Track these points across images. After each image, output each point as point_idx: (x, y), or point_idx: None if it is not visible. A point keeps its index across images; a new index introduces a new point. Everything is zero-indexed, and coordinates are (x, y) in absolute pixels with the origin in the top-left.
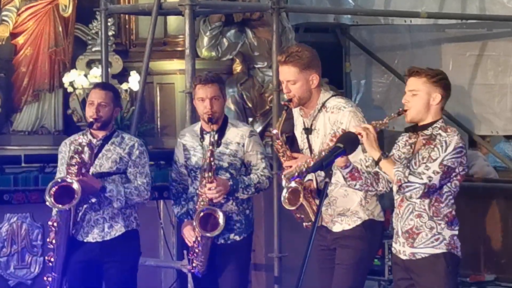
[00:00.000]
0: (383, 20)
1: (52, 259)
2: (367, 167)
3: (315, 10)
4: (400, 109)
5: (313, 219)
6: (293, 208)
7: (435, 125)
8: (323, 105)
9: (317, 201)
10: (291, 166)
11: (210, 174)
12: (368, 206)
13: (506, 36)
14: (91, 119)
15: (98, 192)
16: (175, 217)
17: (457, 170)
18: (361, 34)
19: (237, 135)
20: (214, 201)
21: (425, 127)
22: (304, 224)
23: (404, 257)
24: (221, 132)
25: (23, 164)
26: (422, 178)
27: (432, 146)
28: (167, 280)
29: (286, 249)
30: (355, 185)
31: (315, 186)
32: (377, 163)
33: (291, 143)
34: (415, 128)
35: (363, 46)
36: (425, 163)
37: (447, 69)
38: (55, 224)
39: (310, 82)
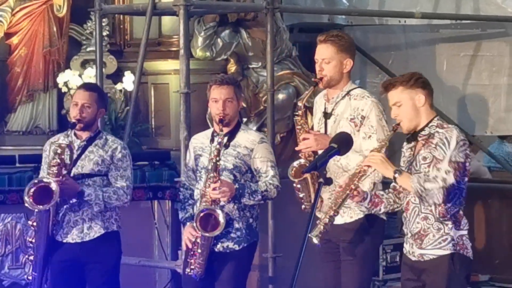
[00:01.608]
0: (378, 20)
1: (32, 258)
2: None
3: (310, 10)
4: (393, 125)
5: (312, 200)
6: (297, 180)
7: (431, 124)
8: (348, 93)
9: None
10: (306, 138)
11: (215, 174)
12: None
13: (500, 36)
14: (74, 120)
15: (77, 196)
16: (170, 217)
17: (466, 164)
18: (356, 34)
19: (247, 140)
20: (218, 201)
21: (423, 129)
22: (302, 206)
23: (413, 258)
24: (232, 134)
25: (17, 164)
26: (437, 182)
27: (433, 145)
28: (161, 280)
29: (281, 249)
30: (380, 210)
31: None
32: (394, 180)
33: (286, 143)
34: (415, 136)
35: (358, 46)
36: (428, 163)
37: (441, 70)
38: (34, 224)
39: (343, 65)
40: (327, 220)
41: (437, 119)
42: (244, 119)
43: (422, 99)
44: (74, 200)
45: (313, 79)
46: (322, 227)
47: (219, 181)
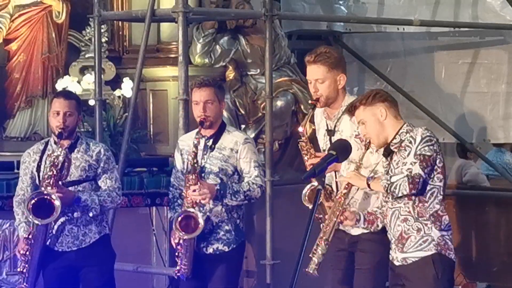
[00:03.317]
0: (376, 27)
1: (24, 270)
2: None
3: (308, 17)
4: (365, 143)
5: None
6: (311, 204)
7: (400, 131)
8: None
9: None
10: (313, 164)
11: (193, 176)
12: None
13: (499, 44)
14: (59, 130)
15: (73, 202)
16: (168, 224)
17: (436, 160)
18: (354, 41)
19: (231, 141)
20: (200, 202)
21: (394, 138)
22: (322, 225)
23: (397, 263)
24: (217, 137)
25: (15, 170)
26: (402, 173)
27: (403, 148)
28: (159, 286)
29: (279, 256)
30: (378, 226)
31: (333, 188)
32: (368, 187)
33: (284, 150)
34: (388, 149)
35: (356, 54)
36: (399, 169)
37: (440, 77)
38: (30, 236)
39: (337, 82)
40: (320, 251)
41: (406, 126)
42: (243, 126)
43: (383, 112)
44: (76, 215)
45: (310, 102)
46: (316, 260)
47: (198, 183)
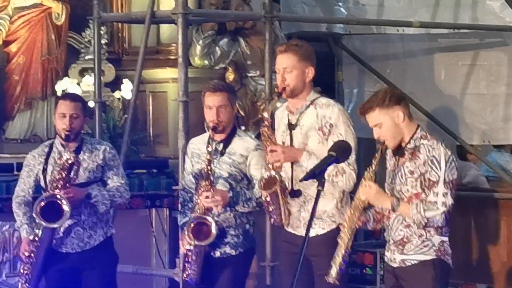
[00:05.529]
0: (376, 29)
1: (28, 272)
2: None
3: (308, 19)
4: (380, 146)
5: (282, 214)
6: (265, 192)
7: (415, 136)
8: (312, 102)
9: (289, 199)
10: (274, 151)
11: (207, 182)
12: (343, 210)
13: (498, 46)
14: (66, 132)
15: (85, 199)
16: (168, 226)
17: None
18: (354, 43)
19: (242, 147)
20: (211, 210)
21: (409, 142)
22: (272, 220)
23: (394, 265)
24: (227, 141)
25: (15, 172)
26: (438, 208)
27: (421, 161)
28: None
29: (278, 257)
30: (381, 225)
31: (288, 185)
32: (393, 210)
33: None
34: (401, 151)
35: (356, 55)
36: (416, 178)
37: (439, 79)
38: (36, 239)
39: (305, 74)
40: (341, 259)
41: (420, 130)
42: (242, 128)
43: (401, 115)
44: (83, 217)
45: (276, 90)
46: (338, 267)
47: (211, 189)
